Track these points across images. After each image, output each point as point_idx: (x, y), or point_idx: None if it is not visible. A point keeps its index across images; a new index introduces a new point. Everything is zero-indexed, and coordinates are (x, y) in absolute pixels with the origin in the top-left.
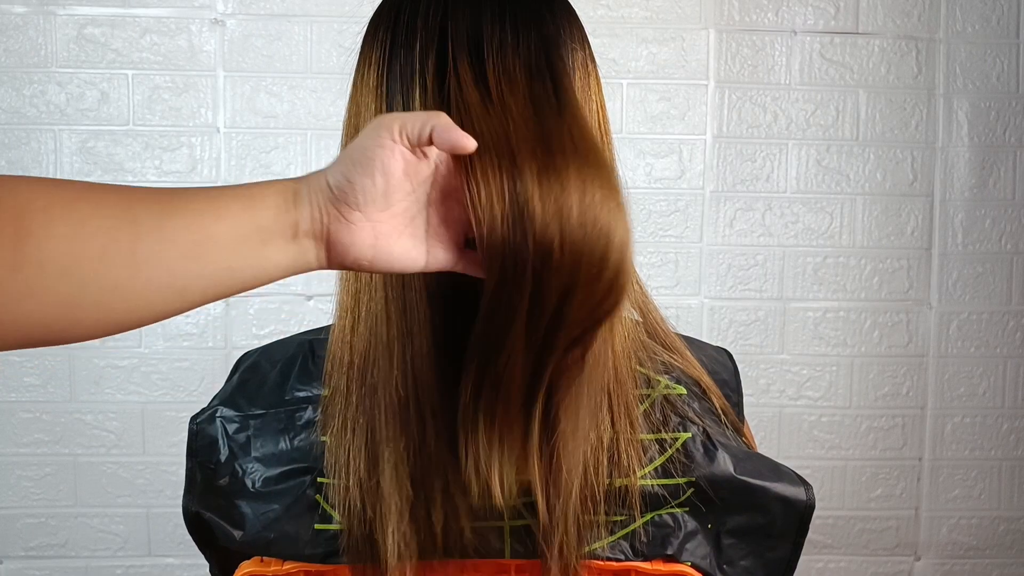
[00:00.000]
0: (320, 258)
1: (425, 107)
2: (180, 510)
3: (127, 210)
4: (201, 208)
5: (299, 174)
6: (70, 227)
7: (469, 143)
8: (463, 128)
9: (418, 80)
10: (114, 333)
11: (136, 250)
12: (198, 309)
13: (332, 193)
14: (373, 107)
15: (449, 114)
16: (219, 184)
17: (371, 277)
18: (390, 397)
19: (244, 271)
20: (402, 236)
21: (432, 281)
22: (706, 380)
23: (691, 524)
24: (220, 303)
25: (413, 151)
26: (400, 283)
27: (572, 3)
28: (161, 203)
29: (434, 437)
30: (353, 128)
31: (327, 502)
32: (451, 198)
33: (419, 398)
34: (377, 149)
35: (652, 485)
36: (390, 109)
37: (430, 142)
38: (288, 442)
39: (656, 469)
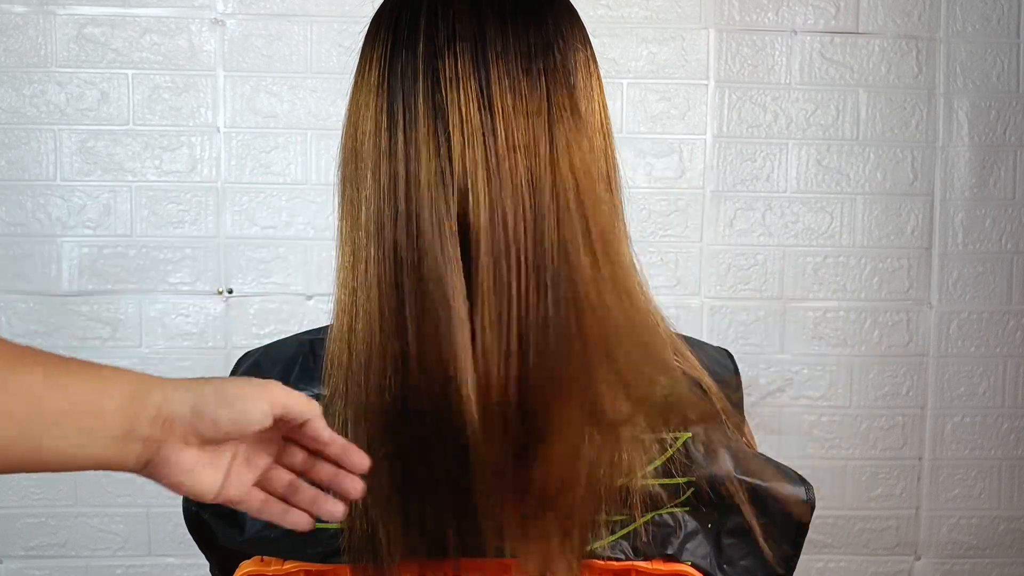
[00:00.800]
0: (138, 464)
1: (428, 110)
2: (180, 510)
3: None
4: (42, 377)
5: (299, 174)
6: None
7: (364, 464)
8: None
9: (421, 82)
10: None
11: None
12: (198, 308)
13: (191, 416)
14: (374, 107)
15: (447, 120)
16: (219, 185)
17: (366, 274)
18: (386, 396)
19: (52, 452)
20: (209, 468)
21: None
22: (707, 380)
23: (691, 524)
24: (220, 302)
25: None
26: (393, 281)
27: (572, 3)
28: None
29: (433, 437)
30: (353, 127)
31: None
32: (262, 445)
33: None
34: (253, 406)
35: (652, 485)
36: (391, 110)
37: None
38: None
39: (657, 469)
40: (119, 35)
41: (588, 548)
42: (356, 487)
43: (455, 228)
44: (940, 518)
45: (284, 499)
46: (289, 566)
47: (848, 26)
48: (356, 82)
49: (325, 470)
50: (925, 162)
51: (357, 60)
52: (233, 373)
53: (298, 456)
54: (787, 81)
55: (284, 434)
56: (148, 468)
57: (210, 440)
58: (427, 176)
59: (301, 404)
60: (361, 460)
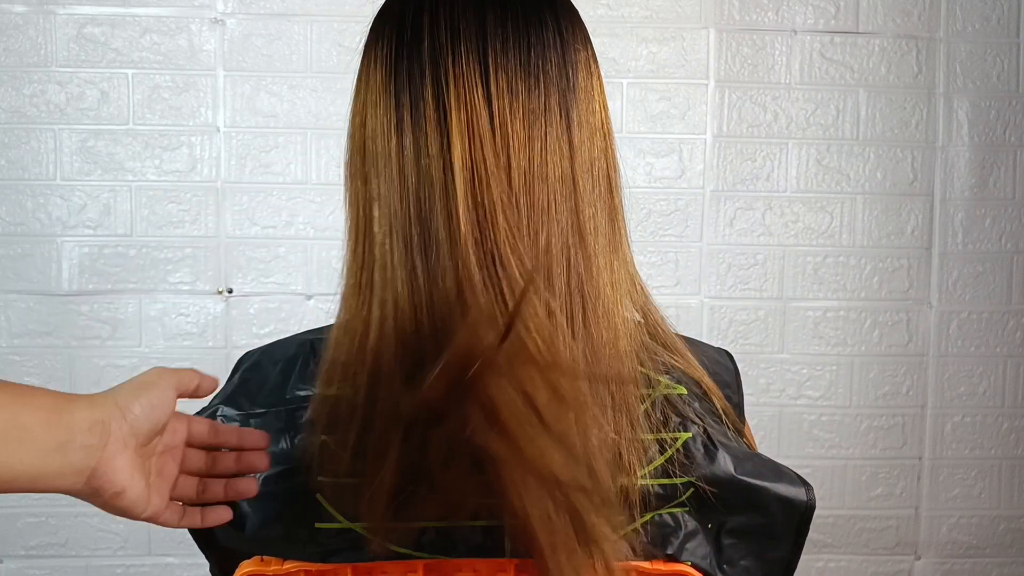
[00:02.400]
0: (80, 476)
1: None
2: None
3: None
4: None
5: (299, 173)
6: None
7: (263, 440)
8: None
9: (427, 82)
10: None
11: None
12: (198, 308)
13: (119, 410)
14: (381, 106)
15: (452, 119)
16: (219, 185)
17: (375, 271)
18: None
19: None
20: (139, 475)
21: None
22: (707, 381)
23: (691, 524)
24: (220, 302)
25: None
26: (407, 278)
27: (572, 3)
28: None
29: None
30: (360, 126)
31: (328, 501)
32: (169, 454)
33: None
34: (159, 386)
35: (652, 485)
36: (398, 107)
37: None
38: (288, 441)
39: (656, 469)
40: (119, 35)
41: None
42: (262, 462)
43: (466, 227)
44: (940, 518)
45: (196, 503)
46: (289, 566)
47: (848, 26)
48: (360, 80)
49: (226, 460)
50: (925, 162)
51: (360, 59)
52: (233, 373)
53: (199, 457)
54: (787, 81)
55: (185, 440)
56: (91, 478)
57: (143, 435)
58: (438, 174)
59: (191, 380)
60: (260, 436)
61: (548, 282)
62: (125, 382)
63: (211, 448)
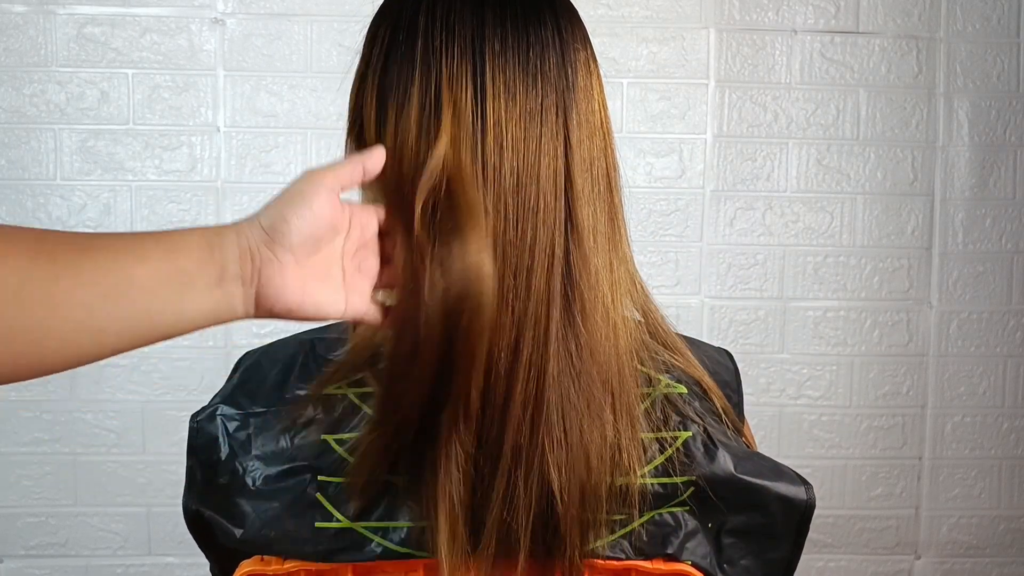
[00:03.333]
0: (248, 304)
1: (421, 106)
2: (180, 509)
3: (43, 251)
4: (122, 249)
5: (299, 173)
6: None
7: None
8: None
9: (416, 81)
10: (27, 378)
11: (52, 292)
12: None
13: (266, 234)
14: (373, 104)
15: (439, 119)
16: (219, 185)
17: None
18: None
19: (163, 316)
20: (325, 283)
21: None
22: (707, 380)
23: (691, 523)
24: None
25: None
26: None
27: (572, 2)
28: (79, 244)
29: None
30: (354, 126)
31: (328, 500)
32: (366, 249)
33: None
34: (311, 194)
35: (652, 484)
36: (383, 108)
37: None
38: (289, 440)
39: (656, 468)
40: (119, 34)
41: (589, 547)
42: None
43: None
44: (940, 518)
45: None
46: (289, 565)
47: (848, 26)
48: (356, 79)
49: None
50: (925, 162)
51: (358, 60)
52: (233, 372)
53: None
54: (787, 81)
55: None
56: (261, 305)
57: (300, 248)
58: (415, 176)
59: (345, 170)
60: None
61: (527, 281)
62: (277, 196)
63: None
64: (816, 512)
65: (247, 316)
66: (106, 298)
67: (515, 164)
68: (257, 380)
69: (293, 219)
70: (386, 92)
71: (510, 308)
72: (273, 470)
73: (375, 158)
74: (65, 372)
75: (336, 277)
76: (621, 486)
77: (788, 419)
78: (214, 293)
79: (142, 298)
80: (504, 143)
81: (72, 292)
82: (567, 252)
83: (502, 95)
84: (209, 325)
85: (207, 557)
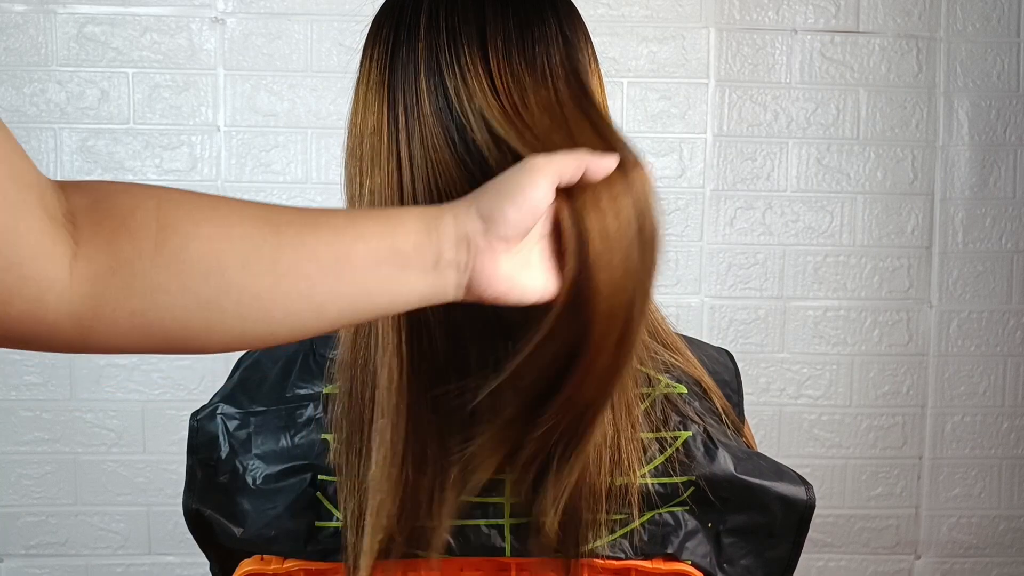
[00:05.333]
0: (459, 289)
1: (432, 106)
2: (180, 508)
3: (269, 221)
4: (342, 226)
5: (299, 173)
6: (217, 229)
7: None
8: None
9: (423, 79)
10: (244, 348)
11: (278, 261)
12: None
13: (482, 223)
14: (376, 104)
15: (451, 114)
16: (219, 184)
17: None
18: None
19: (381, 295)
20: (530, 267)
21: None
22: (707, 380)
23: (691, 523)
24: None
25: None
26: None
27: (573, 2)
28: (303, 217)
29: (433, 436)
30: (356, 124)
31: (328, 500)
32: (556, 228)
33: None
34: (529, 185)
35: (652, 484)
36: (393, 108)
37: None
38: (289, 439)
39: (656, 468)
40: (119, 34)
41: (588, 547)
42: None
43: None
44: (940, 517)
45: None
46: (289, 565)
47: (848, 25)
48: (359, 80)
49: None
50: (925, 161)
51: (360, 58)
52: (234, 371)
53: None
54: (787, 80)
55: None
56: (472, 290)
57: (512, 239)
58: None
59: (570, 163)
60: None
61: None
62: (495, 182)
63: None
64: (816, 511)
65: (458, 299)
66: (326, 273)
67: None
68: (257, 379)
69: (511, 211)
70: (395, 93)
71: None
72: (273, 469)
73: (605, 163)
74: (65, 372)
75: (536, 260)
76: (621, 486)
77: (788, 419)
78: (428, 276)
79: (360, 276)
80: (521, 141)
81: (296, 265)
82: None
83: (515, 92)
84: (422, 305)
85: (207, 556)
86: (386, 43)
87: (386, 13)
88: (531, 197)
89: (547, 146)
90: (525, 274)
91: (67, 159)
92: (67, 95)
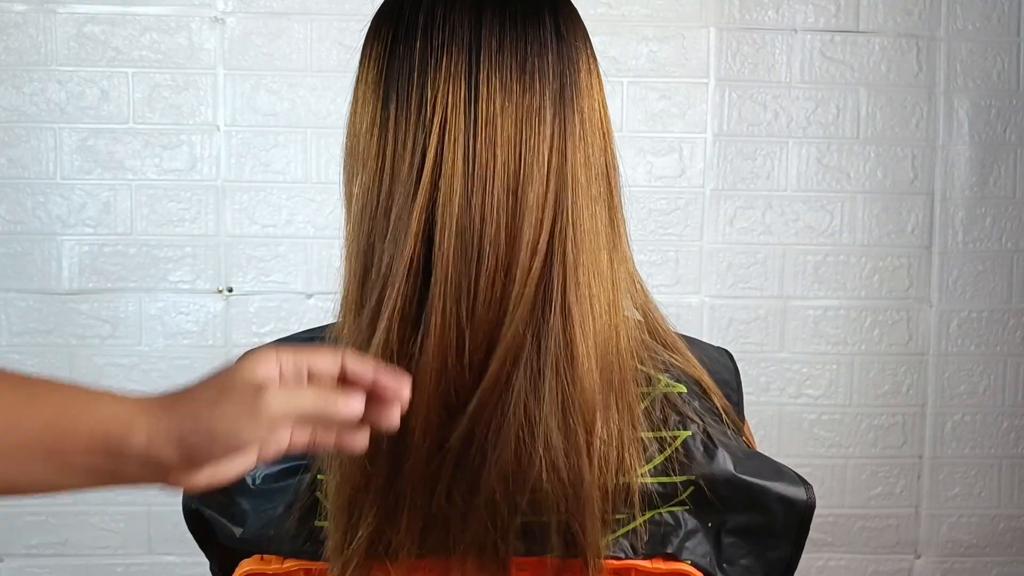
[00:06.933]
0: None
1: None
2: (180, 508)
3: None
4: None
5: (299, 172)
6: None
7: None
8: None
9: (415, 80)
10: None
11: None
12: (198, 306)
13: (179, 455)
14: (371, 104)
15: (431, 118)
16: (219, 184)
17: (345, 272)
18: None
19: (29, 475)
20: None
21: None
22: (706, 379)
23: (691, 523)
24: (220, 300)
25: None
26: (359, 281)
27: (572, 1)
28: (25, 388)
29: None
30: (351, 124)
31: (328, 499)
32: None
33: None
34: (251, 438)
35: (652, 483)
36: (385, 107)
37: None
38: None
39: (656, 467)
40: (119, 33)
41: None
42: (404, 394)
43: (416, 226)
44: (940, 516)
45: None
46: (289, 564)
47: (848, 24)
48: (357, 78)
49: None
50: (925, 161)
51: (359, 58)
52: None
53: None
54: (787, 79)
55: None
56: (170, 483)
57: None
58: (404, 173)
59: (323, 361)
60: (399, 382)
61: (521, 279)
62: (219, 411)
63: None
64: (816, 511)
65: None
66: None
67: (508, 162)
68: None
69: (218, 451)
70: (388, 93)
71: (500, 307)
72: (273, 469)
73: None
74: (65, 371)
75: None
76: (621, 485)
77: (788, 418)
78: (103, 478)
79: (19, 458)
80: (497, 141)
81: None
82: (565, 251)
83: (497, 93)
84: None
85: (207, 556)
86: (384, 42)
87: (386, 12)
88: (247, 443)
89: (488, 182)
90: (232, 465)
91: (67, 158)
92: (67, 94)
